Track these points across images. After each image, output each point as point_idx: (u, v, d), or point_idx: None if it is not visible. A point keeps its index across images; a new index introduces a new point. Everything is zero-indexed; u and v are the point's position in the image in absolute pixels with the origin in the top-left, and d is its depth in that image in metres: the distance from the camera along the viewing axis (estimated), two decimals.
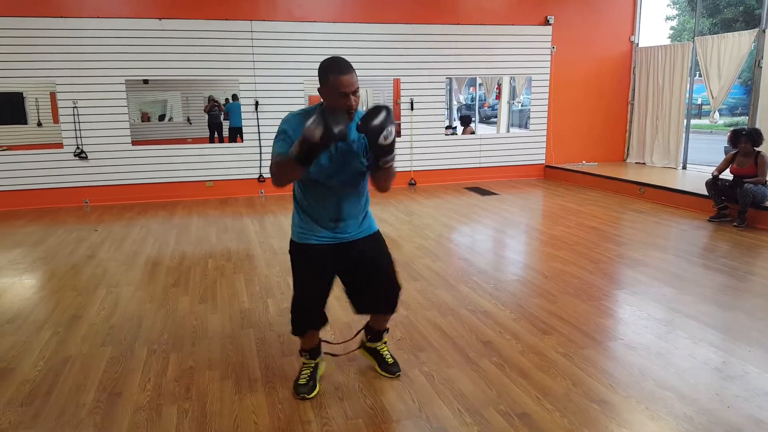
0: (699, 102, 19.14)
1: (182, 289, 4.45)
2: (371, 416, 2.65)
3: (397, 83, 9.08)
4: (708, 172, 6.67)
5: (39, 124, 8.40)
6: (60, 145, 7.84)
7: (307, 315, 2.75)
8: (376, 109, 2.29)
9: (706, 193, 6.58)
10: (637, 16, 9.86)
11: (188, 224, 6.73)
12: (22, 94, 8.32)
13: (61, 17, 7.48)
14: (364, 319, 3.04)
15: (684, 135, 9.23)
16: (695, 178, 8.16)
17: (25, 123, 8.37)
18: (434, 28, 8.90)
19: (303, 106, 8.36)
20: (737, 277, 4.57)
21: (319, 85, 2.44)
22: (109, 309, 4.03)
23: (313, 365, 2.90)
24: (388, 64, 8.82)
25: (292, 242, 2.75)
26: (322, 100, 2.46)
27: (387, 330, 3.05)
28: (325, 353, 3.03)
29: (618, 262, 5.06)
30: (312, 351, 2.89)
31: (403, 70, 8.93)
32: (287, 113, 2.58)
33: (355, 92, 2.38)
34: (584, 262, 4.99)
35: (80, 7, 7.54)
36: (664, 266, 4.86)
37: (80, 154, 7.86)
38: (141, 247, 5.71)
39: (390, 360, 3.04)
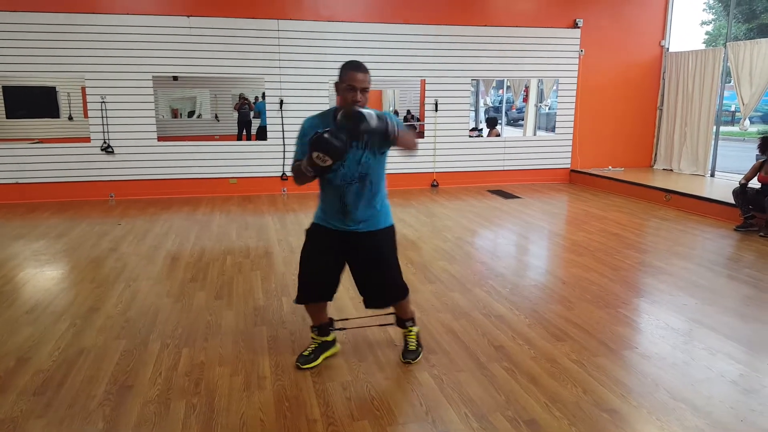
0: (732, 109, 18.68)
1: (199, 284, 4.50)
2: (377, 417, 2.64)
3: (423, 84, 9.04)
4: (737, 180, 6.50)
5: (70, 118, 8.61)
6: (87, 139, 8.00)
7: (307, 285, 2.97)
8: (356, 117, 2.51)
9: (733, 201, 6.41)
10: (668, 20, 9.66)
11: (210, 220, 6.81)
12: (55, 88, 8.54)
13: (92, 13, 7.63)
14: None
15: (713, 142, 9.01)
16: (723, 186, 7.95)
17: (58, 117, 8.59)
18: (462, 29, 8.84)
19: (327, 107, 8.50)
20: (761, 289, 4.44)
21: (337, 81, 2.70)
22: (127, 302, 4.10)
23: (319, 342, 3.14)
24: (415, 65, 8.79)
25: (311, 222, 3.01)
26: (337, 94, 2.71)
27: (411, 320, 3.20)
28: (337, 329, 3.24)
29: (639, 269, 4.96)
30: (320, 328, 3.12)
31: (429, 71, 8.89)
32: (306, 118, 2.85)
33: (363, 90, 2.64)
34: (604, 269, 4.90)
35: (111, 3, 7.68)
36: (686, 275, 4.75)
37: (107, 149, 8.01)
38: (162, 241, 5.79)
39: (411, 347, 3.19)
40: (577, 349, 3.34)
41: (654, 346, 3.41)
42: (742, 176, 6.39)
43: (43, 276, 4.75)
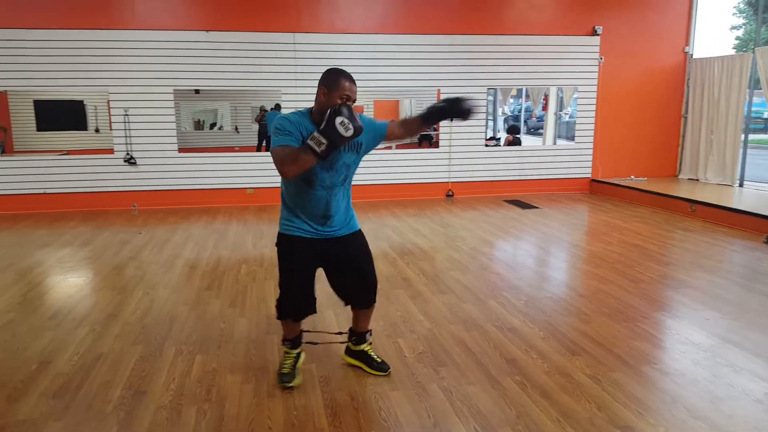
0: (766, 116, 18.23)
1: (214, 292, 4.54)
2: (384, 429, 2.62)
3: (439, 94, 9.04)
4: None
5: (97, 131, 8.81)
6: (111, 151, 8.18)
7: (292, 302, 2.92)
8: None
9: (763, 212, 6.21)
10: (691, 26, 9.51)
11: (227, 230, 6.88)
12: (83, 102, 8.76)
13: (116, 29, 7.83)
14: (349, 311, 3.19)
15: (741, 150, 8.81)
16: (752, 197, 7.77)
17: (86, 129, 8.81)
18: (477, 38, 8.83)
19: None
20: None
21: (322, 85, 2.72)
22: (144, 309, 4.16)
23: (294, 355, 3.08)
24: (430, 74, 8.79)
25: (279, 234, 2.93)
26: (322, 96, 2.71)
27: (370, 332, 3.19)
28: (306, 342, 3.17)
29: (660, 282, 4.85)
30: (294, 341, 3.07)
31: (445, 81, 8.87)
32: (280, 115, 2.78)
33: (351, 98, 2.71)
34: (623, 282, 4.80)
35: (134, 20, 7.87)
36: (710, 289, 4.62)
37: (130, 160, 8.18)
38: (181, 250, 5.87)
39: (378, 359, 3.18)
40: (592, 363, 3.27)
41: (674, 362, 3.32)
42: None
43: (66, 283, 4.85)
